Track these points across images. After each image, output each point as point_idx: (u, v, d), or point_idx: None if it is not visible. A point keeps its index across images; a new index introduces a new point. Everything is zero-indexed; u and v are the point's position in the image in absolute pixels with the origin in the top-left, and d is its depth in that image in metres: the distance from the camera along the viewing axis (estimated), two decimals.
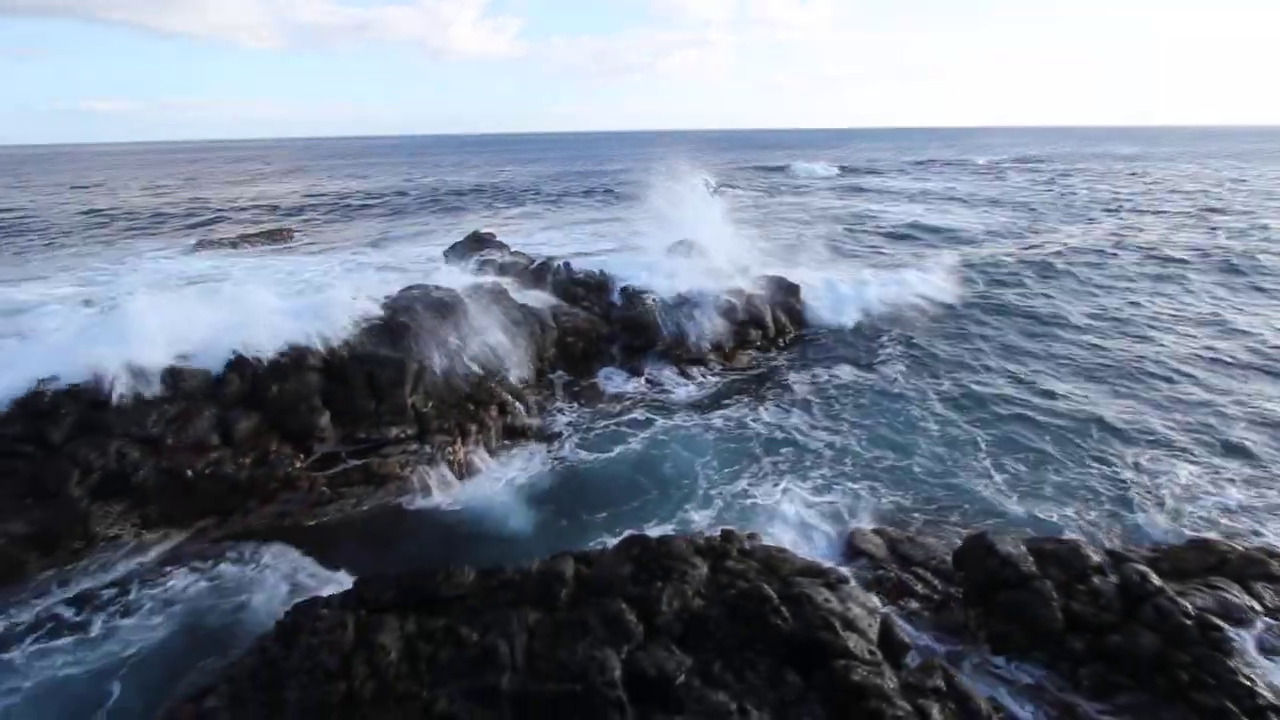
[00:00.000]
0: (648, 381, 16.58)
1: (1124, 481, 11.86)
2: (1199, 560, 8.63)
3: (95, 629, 8.66)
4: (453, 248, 27.18)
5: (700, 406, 15.36)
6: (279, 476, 11.30)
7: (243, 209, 49.63)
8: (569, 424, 14.49)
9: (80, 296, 22.95)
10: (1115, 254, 28.67)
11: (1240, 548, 8.76)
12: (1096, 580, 7.80)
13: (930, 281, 23.52)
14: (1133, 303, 22.47)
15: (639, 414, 14.97)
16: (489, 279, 18.04)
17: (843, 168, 78.91)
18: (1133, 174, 68.81)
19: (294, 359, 12.61)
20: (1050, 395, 15.40)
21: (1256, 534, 10.24)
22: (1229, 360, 17.27)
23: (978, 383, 16.27)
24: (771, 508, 11.20)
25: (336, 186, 67.08)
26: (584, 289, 19.85)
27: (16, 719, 7.35)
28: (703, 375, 16.94)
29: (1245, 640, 7.13)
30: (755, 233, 29.71)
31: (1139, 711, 6.78)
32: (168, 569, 9.84)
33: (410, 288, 16.06)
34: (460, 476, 12.20)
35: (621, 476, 12.42)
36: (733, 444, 13.50)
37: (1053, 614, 7.58)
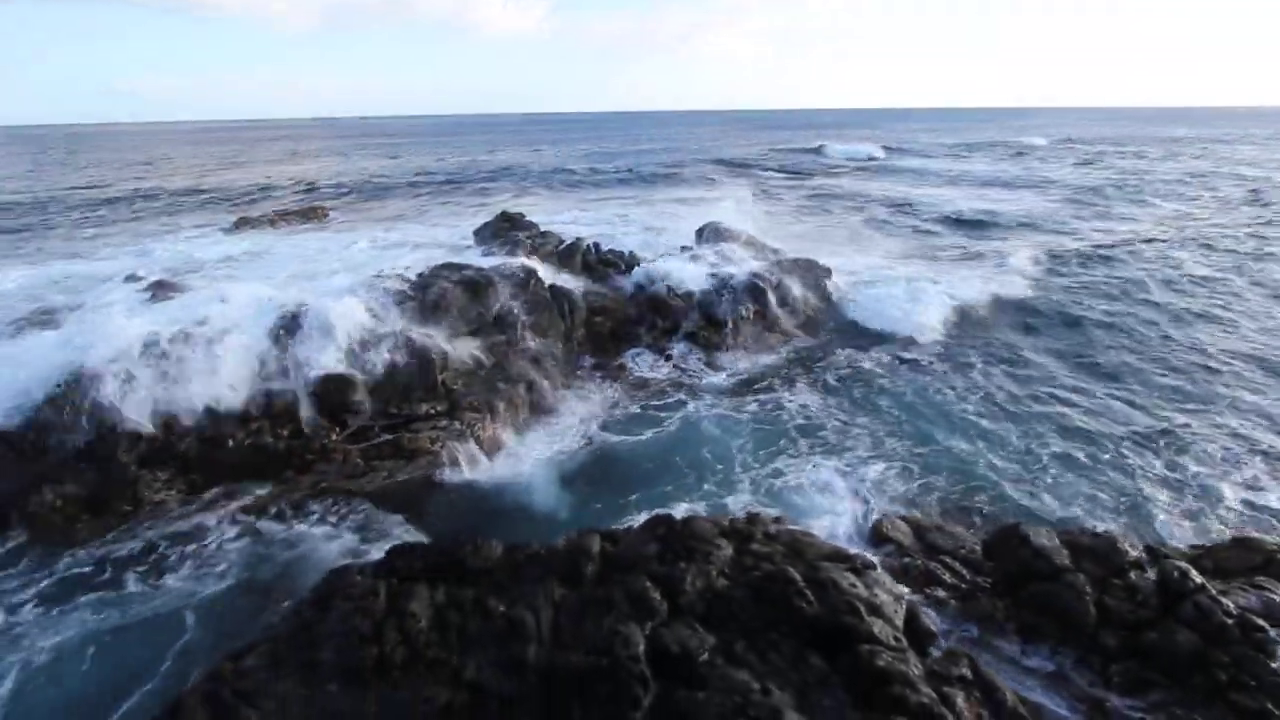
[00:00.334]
0: (675, 363, 16.55)
1: (1167, 480, 11.49)
2: (1242, 559, 8.34)
3: (130, 585, 9.13)
4: (483, 227, 27.33)
5: (728, 388, 15.29)
6: (315, 448, 11.63)
7: (279, 187, 50.61)
8: (596, 403, 14.57)
9: (129, 270, 23.73)
10: (1180, 246, 27.25)
11: None
12: (1133, 576, 7.60)
13: (978, 274, 22.79)
14: (1192, 297, 21.36)
15: (666, 394, 14.98)
16: (518, 259, 18.13)
17: (887, 148, 76.53)
18: (1196, 157, 65.65)
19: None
20: (1091, 393, 14.86)
21: None
22: None
23: (1018, 375, 15.82)
24: (798, 491, 11.16)
25: (369, 165, 67.90)
26: (613, 270, 19.83)
27: (64, 675, 7.77)
28: (731, 357, 16.84)
29: None
30: (788, 217, 29.25)
31: (1171, 710, 6.62)
32: (210, 532, 10.24)
33: (441, 266, 16.25)
34: (488, 453, 12.39)
35: (647, 456, 12.48)
36: (761, 426, 13.43)
37: (1085, 608, 7.43)
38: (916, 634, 6.57)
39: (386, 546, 8.25)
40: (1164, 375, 15.70)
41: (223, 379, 11.99)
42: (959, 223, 33.68)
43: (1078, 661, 7.27)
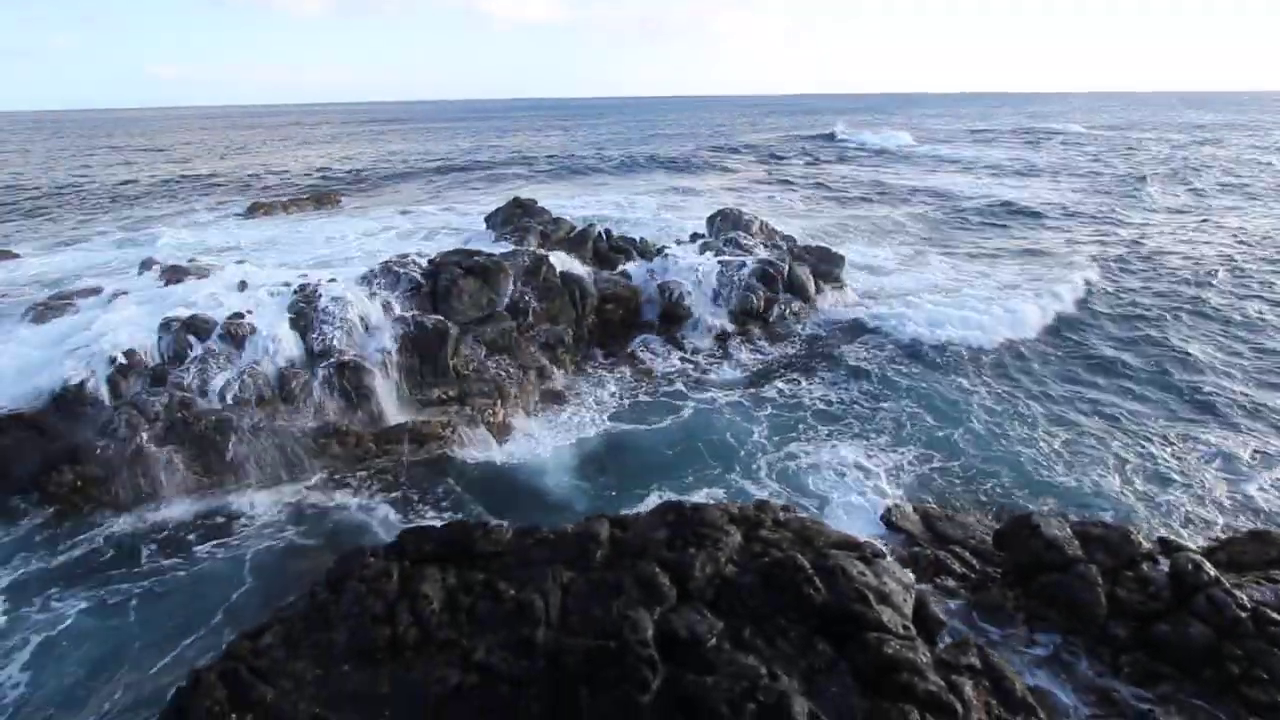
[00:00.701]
0: (685, 349, 16.53)
1: (1183, 476, 11.32)
2: (1259, 553, 8.24)
3: (146, 563, 9.33)
4: (494, 213, 27.30)
5: (739, 376, 15.27)
6: (329, 432, 11.75)
7: (293, 173, 50.86)
8: (606, 390, 14.60)
9: (144, 255, 23.96)
10: (1228, 243, 25.95)
11: None
12: (1146, 568, 7.54)
13: (1003, 268, 22.26)
14: (1224, 293, 20.40)
15: (676, 382, 14.99)
16: (529, 245, 18.11)
17: (913, 133, 74.89)
18: (1217, 143, 63.83)
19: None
20: (1111, 389, 14.57)
21: None
22: None
23: (1034, 369, 15.55)
24: (812, 478, 11.16)
25: (381, 151, 67.97)
26: (624, 257, 19.76)
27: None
28: (743, 345, 16.79)
29: None
30: (802, 205, 28.88)
31: (1180, 702, 6.59)
32: (226, 512, 10.42)
33: (452, 252, 16.27)
34: (499, 438, 12.47)
35: (660, 443, 12.51)
36: (775, 414, 13.41)
37: (1096, 599, 7.38)
38: (925, 622, 6.56)
39: (399, 529, 8.35)
40: (1191, 376, 15.16)
41: (237, 363, 12.14)
42: (982, 211, 32.96)
43: (1088, 652, 7.24)
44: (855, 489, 10.88)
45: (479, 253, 16.16)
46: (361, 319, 13.26)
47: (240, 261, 21.65)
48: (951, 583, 8.50)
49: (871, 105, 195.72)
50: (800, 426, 13.00)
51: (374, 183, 46.02)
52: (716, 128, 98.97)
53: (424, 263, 15.43)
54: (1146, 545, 7.85)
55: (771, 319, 17.84)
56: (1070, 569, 7.68)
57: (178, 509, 10.41)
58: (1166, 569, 7.49)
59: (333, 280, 14.77)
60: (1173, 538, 8.67)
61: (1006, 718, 5.52)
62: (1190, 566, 7.36)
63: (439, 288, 14.46)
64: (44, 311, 15.86)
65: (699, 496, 10.56)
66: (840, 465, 11.57)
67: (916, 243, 27.05)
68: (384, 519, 10.26)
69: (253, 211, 34.06)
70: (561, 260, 17.63)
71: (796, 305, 18.38)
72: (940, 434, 12.61)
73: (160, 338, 12.30)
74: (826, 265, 20.09)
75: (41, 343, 12.83)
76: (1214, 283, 21.16)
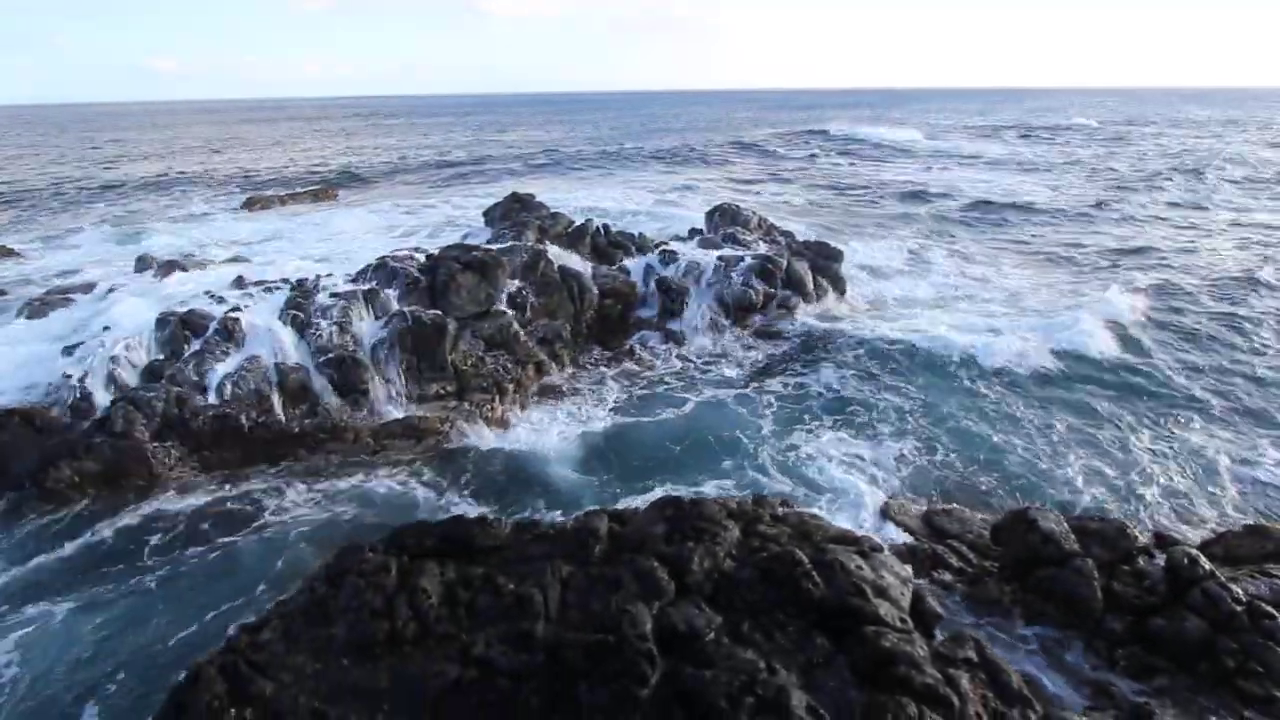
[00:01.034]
0: (683, 344, 16.52)
1: (1178, 471, 11.36)
2: (1254, 547, 8.28)
3: (144, 558, 9.32)
4: (492, 208, 27.16)
5: (736, 372, 15.26)
6: (327, 427, 11.74)
7: (290, 168, 50.65)
8: (604, 385, 14.60)
9: (140, 251, 23.89)
10: (1235, 241, 25.69)
11: None
12: (1142, 562, 7.58)
13: (1006, 262, 22.22)
14: (1225, 292, 20.14)
15: (674, 378, 14.99)
16: (527, 240, 18.07)
17: (918, 128, 74.55)
18: (1215, 137, 63.78)
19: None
20: (1113, 385, 14.53)
21: None
22: None
23: (1029, 366, 15.38)
24: (805, 474, 11.17)
25: (380, 146, 67.72)
26: (622, 252, 19.71)
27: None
28: (740, 340, 16.78)
29: None
30: (801, 200, 28.81)
31: (1176, 695, 6.63)
32: (224, 507, 10.41)
33: (450, 247, 16.23)
34: (498, 433, 12.47)
35: (655, 436, 12.52)
36: (772, 409, 13.42)
37: (1093, 593, 7.41)
38: (922, 616, 6.58)
39: (396, 524, 8.34)
40: (1187, 371, 15.15)
41: (234, 357, 12.11)
42: (978, 205, 32.92)
43: (1084, 646, 7.28)
44: (854, 484, 10.89)
45: (477, 248, 16.12)
46: (359, 315, 13.23)
47: (236, 257, 21.61)
48: (949, 577, 8.52)
49: (873, 100, 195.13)
50: (800, 420, 13.01)
51: (371, 177, 45.88)
52: (715, 122, 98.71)
53: (421, 258, 15.39)
54: (1142, 540, 7.89)
55: (770, 314, 17.83)
56: (1067, 563, 7.71)
57: (175, 505, 10.40)
58: (1162, 563, 7.52)
59: (330, 275, 14.75)
60: (1169, 532, 8.73)
61: (1003, 711, 5.54)
62: (1186, 561, 7.39)
63: (437, 283, 14.42)
64: (40, 307, 15.81)
65: (700, 491, 10.58)
66: (839, 460, 11.58)
67: (918, 238, 27.01)
68: (382, 514, 10.26)
69: (249, 206, 33.93)
70: (560, 255, 17.60)
71: (795, 301, 18.37)
72: (937, 429, 12.63)
73: (157, 333, 12.27)
74: (825, 261, 20.07)
75: (38, 338, 12.81)
76: (1214, 282, 21.22)
